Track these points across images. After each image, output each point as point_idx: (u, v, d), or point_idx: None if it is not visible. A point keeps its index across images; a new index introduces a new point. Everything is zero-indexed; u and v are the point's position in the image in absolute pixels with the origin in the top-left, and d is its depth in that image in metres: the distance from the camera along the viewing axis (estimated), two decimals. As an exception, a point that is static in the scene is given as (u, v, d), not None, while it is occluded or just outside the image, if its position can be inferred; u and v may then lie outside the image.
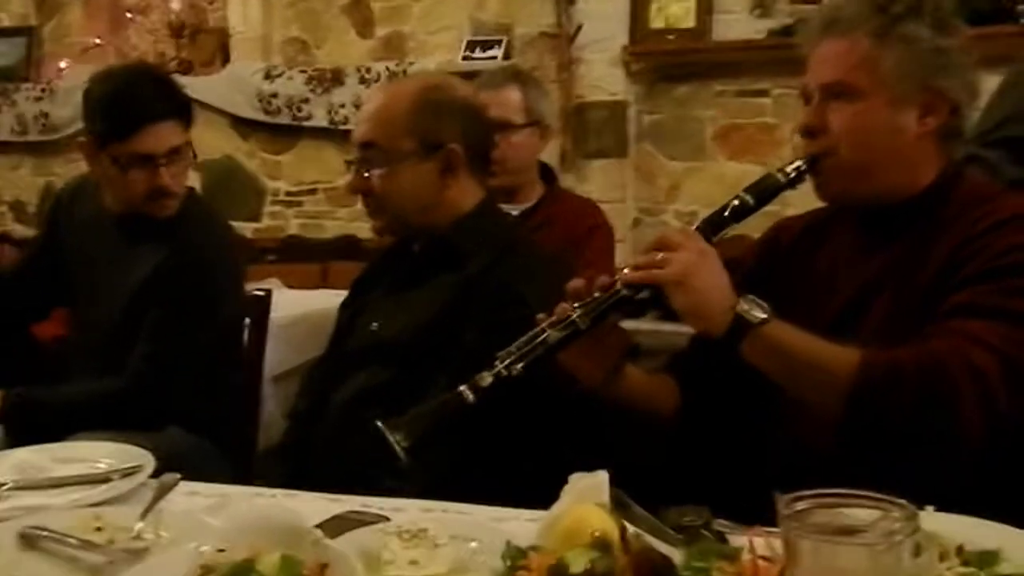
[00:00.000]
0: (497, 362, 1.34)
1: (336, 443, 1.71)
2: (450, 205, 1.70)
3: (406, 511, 1.27)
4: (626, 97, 4.41)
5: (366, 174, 1.69)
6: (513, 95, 2.62)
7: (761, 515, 1.12)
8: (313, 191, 5.13)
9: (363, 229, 4.95)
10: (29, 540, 1.14)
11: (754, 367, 1.34)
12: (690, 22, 4.31)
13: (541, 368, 1.36)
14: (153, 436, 1.83)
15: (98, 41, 5.45)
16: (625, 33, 4.35)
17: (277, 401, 2.97)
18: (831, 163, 1.43)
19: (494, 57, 4.56)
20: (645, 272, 1.33)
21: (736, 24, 4.30)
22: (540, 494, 1.25)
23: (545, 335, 1.35)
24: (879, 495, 0.80)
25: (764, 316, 1.30)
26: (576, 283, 1.37)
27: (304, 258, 4.89)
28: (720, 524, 1.13)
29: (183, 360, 2.10)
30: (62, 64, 5.46)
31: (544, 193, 2.71)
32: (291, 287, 3.71)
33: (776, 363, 1.33)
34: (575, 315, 1.35)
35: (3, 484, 1.37)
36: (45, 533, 1.14)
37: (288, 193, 5.18)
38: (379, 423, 1.32)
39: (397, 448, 1.30)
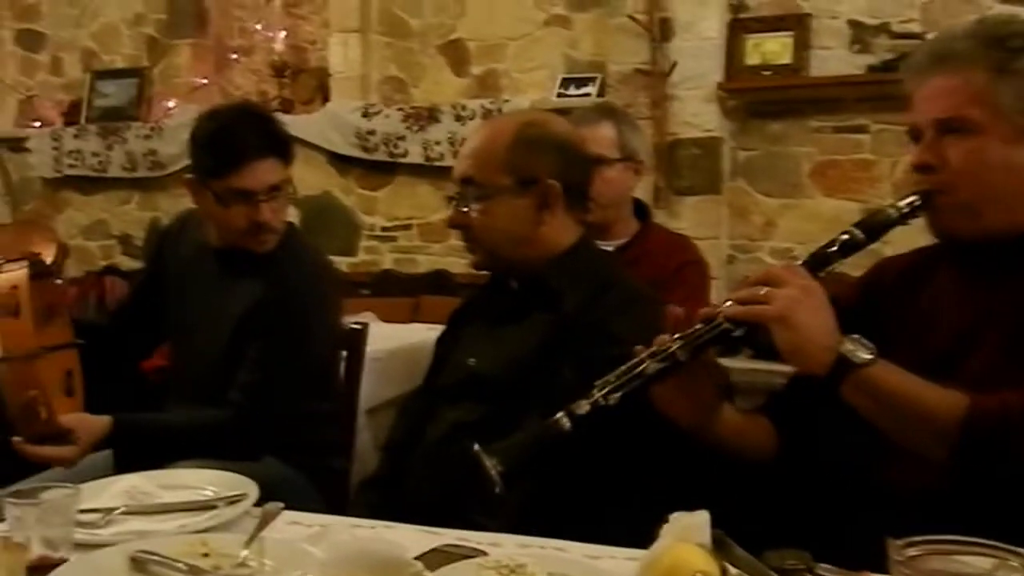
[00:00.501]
0: (595, 391, 1.35)
1: (430, 476, 1.72)
2: (546, 241, 1.71)
3: (503, 546, 1.28)
4: (720, 134, 4.39)
5: (464, 209, 1.71)
6: (606, 131, 2.63)
7: (863, 560, 1.09)
8: (407, 227, 5.20)
9: (456, 264, 5.00)
10: (140, 564, 1.18)
11: (855, 408, 1.31)
12: (786, 58, 4.28)
13: (638, 399, 1.36)
14: (251, 466, 1.87)
15: (204, 81, 5.64)
16: (720, 70, 4.34)
17: (371, 433, 3.01)
18: (946, 199, 1.40)
19: (588, 94, 4.58)
20: (748, 308, 1.31)
21: (833, 60, 4.26)
22: (631, 533, 1.24)
23: (643, 366, 1.35)
24: (995, 543, 0.78)
25: (869, 357, 1.27)
26: (676, 314, 1.37)
27: (397, 292, 4.95)
28: (823, 569, 1.10)
29: (281, 392, 2.14)
30: (170, 103, 5.66)
31: (638, 229, 2.71)
32: (385, 321, 3.75)
33: (879, 406, 1.30)
34: (674, 347, 1.34)
35: (114, 509, 1.41)
36: (155, 557, 1.17)
37: (383, 228, 5.26)
38: (476, 447, 1.33)
39: (492, 473, 1.31)
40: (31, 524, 1.13)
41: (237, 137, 2.11)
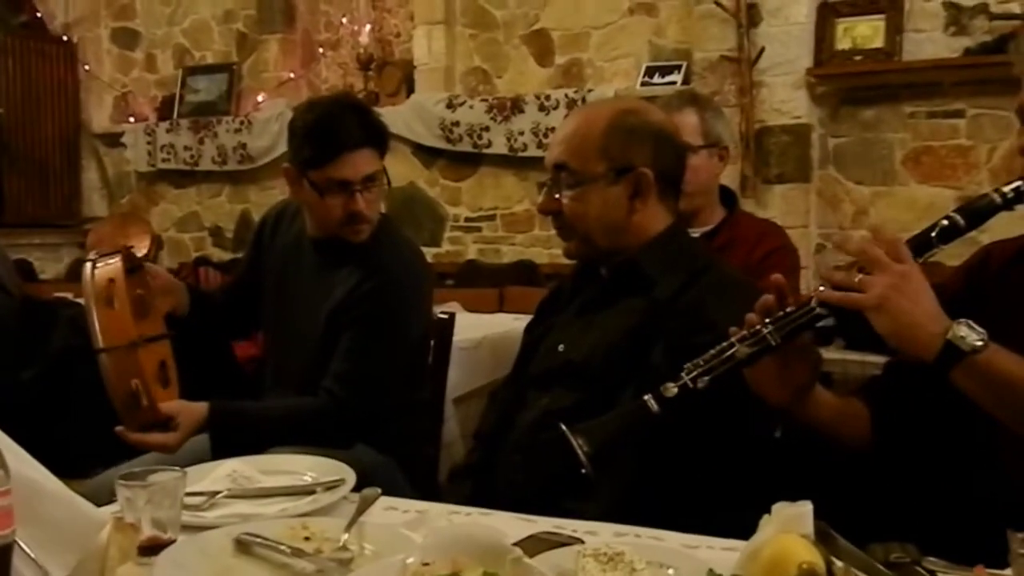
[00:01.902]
0: (684, 374, 1.33)
1: (521, 463, 1.73)
2: (639, 228, 1.70)
3: (599, 534, 1.28)
4: (809, 120, 4.31)
5: (557, 196, 1.71)
6: (690, 118, 2.60)
7: (975, 553, 1.06)
8: (492, 217, 5.22)
9: (540, 254, 5.01)
10: (244, 546, 1.20)
11: (965, 395, 1.27)
12: (878, 42, 4.18)
13: (730, 382, 1.34)
14: (343, 453, 1.90)
15: (291, 75, 5.74)
16: (809, 55, 4.26)
17: (457, 422, 3.03)
18: None
19: (673, 82, 4.55)
20: (843, 295, 1.28)
21: (928, 43, 4.15)
22: (729, 523, 1.23)
23: (734, 349, 1.33)
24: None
25: (980, 343, 1.24)
26: (767, 299, 1.34)
27: (482, 283, 4.97)
28: (932, 562, 1.08)
29: (374, 380, 2.16)
30: (259, 98, 5.77)
31: (725, 216, 2.68)
32: (469, 311, 3.78)
33: (992, 392, 1.26)
34: (766, 331, 1.32)
35: (218, 492, 1.45)
36: (259, 540, 1.20)
37: (467, 219, 5.29)
38: (563, 427, 1.33)
39: (580, 453, 1.31)
40: (141, 506, 1.16)
41: (335, 128, 2.13)
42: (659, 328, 1.60)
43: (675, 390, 1.32)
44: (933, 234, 1.33)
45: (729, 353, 1.33)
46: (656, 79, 4.62)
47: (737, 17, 4.28)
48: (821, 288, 1.31)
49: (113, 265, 1.99)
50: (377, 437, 2.21)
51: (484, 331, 3.42)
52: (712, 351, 1.34)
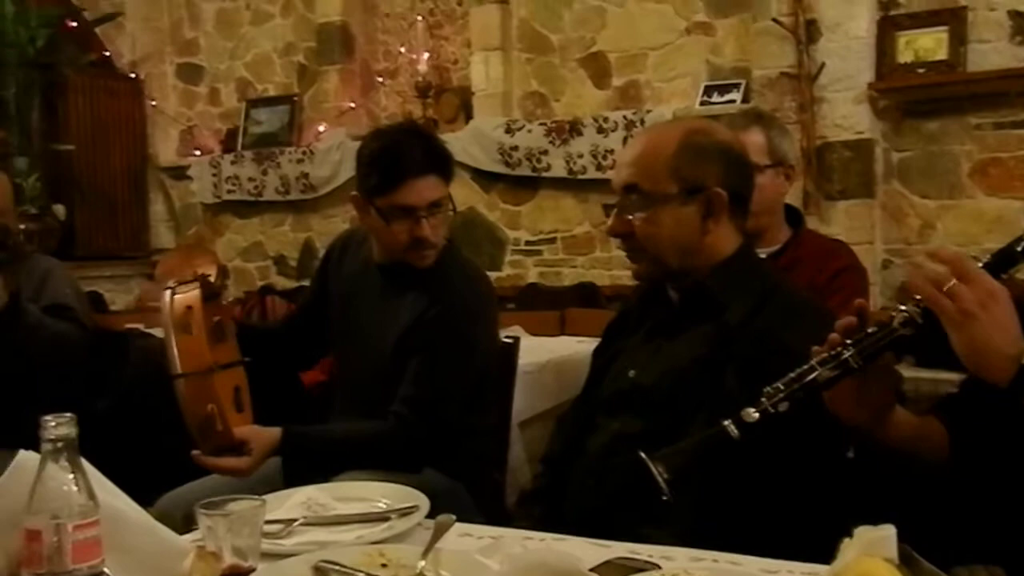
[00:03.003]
0: (764, 399, 1.32)
1: (592, 488, 1.72)
2: (710, 250, 1.69)
3: (675, 559, 1.26)
4: (872, 135, 4.26)
5: (627, 217, 1.70)
6: (756, 137, 2.58)
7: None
8: (552, 240, 5.23)
9: (601, 276, 5.00)
10: (323, 574, 1.21)
11: None
12: (941, 54, 4.12)
13: (808, 406, 1.32)
14: (412, 477, 1.91)
15: (351, 105, 5.82)
16: (871, 69, 4.21)
17: (522, 445, 3.03)
18: None
19: (732, 101, 4.52)
20: (932, 292, 1.24)
21: (992, 54, 4.08)
22: (809, 546, 1.21)
23: (815, 373, 1.31)
24: None
25: None
26: (850, 321, 1.32)
27: (543, 306, 4.96)
28: (1021, 586, 1.05)
29: (442, 405, 2.17)
30: (320, 128, 5.86)
31: (790, 235, 2.65)
32: (531, 334, 3.78)
33: None
34: (847, 354, 1.30)
35: (294, 520, 1.46)
36: (337, 568, 1.21)
37: (527, 242, 5.31)
38: (642, 454, 1.32)
39: (660, 480, 1.30)
40: (222, 534, 1.18)
41: (400, 155, 2.16)
42: (730, 353, 1.58)
43: (756, 415, 1.31)
44: (1019, 248, 1.29)
45: (811, 377, 1.31)
46: (715, 98, 4.61)
47: (796, 34, 4.26)
48: (909, 280, 1.28)
49: (191, 293, 2.03)
50: (445, 461, 2.22)
51: (548, 354, 3.42)
52: (792, 375, 1.32)
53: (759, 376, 1.38)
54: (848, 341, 1.30)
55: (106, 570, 1.03)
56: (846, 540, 1.05)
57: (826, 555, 1.07)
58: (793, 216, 2.71)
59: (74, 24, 6.00)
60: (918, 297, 1.27)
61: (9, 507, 1.07)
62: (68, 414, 1.02)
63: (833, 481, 1.49)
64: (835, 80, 4.24)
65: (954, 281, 1.23)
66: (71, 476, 1.01)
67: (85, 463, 1.04)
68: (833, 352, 1.31)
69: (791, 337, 1.49)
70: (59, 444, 1.01)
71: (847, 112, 4.25)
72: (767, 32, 4.37)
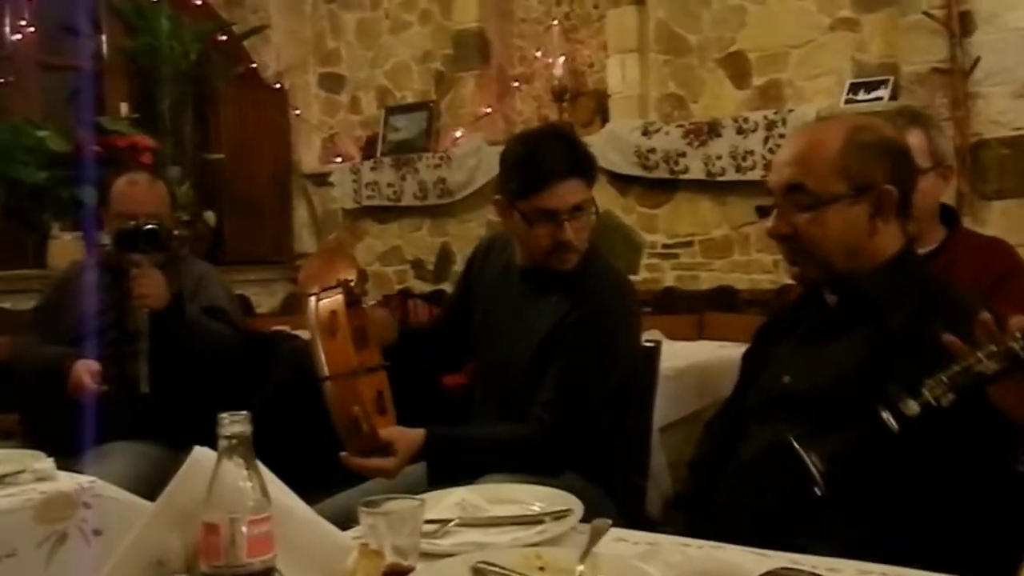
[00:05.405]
0: (925, 391, 1.26)
1: (744, 495, 1.68)
2: (875, 250, 1.63)
3: (841, 572, 1.22)
4: (1032, 131, 4.06)
5: (790, 218, 1.66)
6: (917, 138, 2.48)
7: None
8: (689, 243, 5.15)
9: (740, 280, 4.91)
10: (481, 574, 1.22)
11: None
12: (1110, 43, 3.89)
13: (974, 404, 1.26)
14: (553, 480, 1.90)
15: (488, 110, 5.87)
16: (1030, 62, 4.02)
17: (663, 450, 3.00)
18: None
19: (880, 98, 4.37)
20: None
21: None
22: (984, 563, 1.15)
23: (982, 365, 1.25)
24: None
25: None
26: (1020, 320, 1.26)
27: (680, 309, 4.91)
28: None
29: (584, 408, 2.16)
30: (457, 133, 5.93)
31: (946, 235, 2.54)
32: (669, 338, 3.73)
33: None
34: (1017, 346, 1.24)
35: (449, 520, 1.48)
36: (496, 569, 1.21)
37: (664, 246, 5.24)
38: (794, 442, 1.28)
39: (814, 470, 1.26)
40: (383, 532, 1.20)
41: (543, 159, 2.17)
42: (892, 360, 1.52)
43: (917, 408, 1.26)
44: None
45: (977, 370, 1.26)
46: (861, 95, 4.46)
47: (949, 27, 4.09)
48: None
49: (335, 298, 2.08)
50: (586, 465, 2.21)
51: (688, 359, 3.38)
52: (956, 367, 1.27)
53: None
54: (1020, 334, 1.24)
55: (277, 565, 1.06)
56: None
57: (1002, 572, 1.01)
58: (948, 214, 2.61)
59: (223, 38, 6.24)
60: None
61: (185, 501, 1.12)
62: (243, 412, 1.05)
63: (1007, 493, 1.42)
64: (991, 74, 4.05)
65: None
66: (245, 472, 1.05)
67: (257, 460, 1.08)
68: (1006, 347, 1.25)
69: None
70: (234, 441, 1.05)
71: (1004, 107, 4.06)
72: (917, 26, 4.21)
